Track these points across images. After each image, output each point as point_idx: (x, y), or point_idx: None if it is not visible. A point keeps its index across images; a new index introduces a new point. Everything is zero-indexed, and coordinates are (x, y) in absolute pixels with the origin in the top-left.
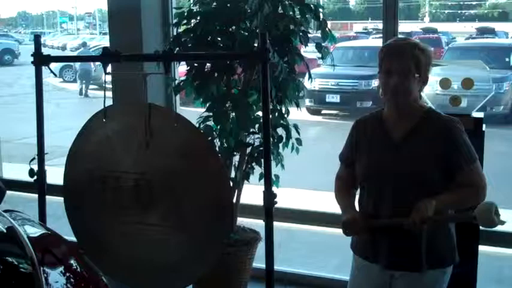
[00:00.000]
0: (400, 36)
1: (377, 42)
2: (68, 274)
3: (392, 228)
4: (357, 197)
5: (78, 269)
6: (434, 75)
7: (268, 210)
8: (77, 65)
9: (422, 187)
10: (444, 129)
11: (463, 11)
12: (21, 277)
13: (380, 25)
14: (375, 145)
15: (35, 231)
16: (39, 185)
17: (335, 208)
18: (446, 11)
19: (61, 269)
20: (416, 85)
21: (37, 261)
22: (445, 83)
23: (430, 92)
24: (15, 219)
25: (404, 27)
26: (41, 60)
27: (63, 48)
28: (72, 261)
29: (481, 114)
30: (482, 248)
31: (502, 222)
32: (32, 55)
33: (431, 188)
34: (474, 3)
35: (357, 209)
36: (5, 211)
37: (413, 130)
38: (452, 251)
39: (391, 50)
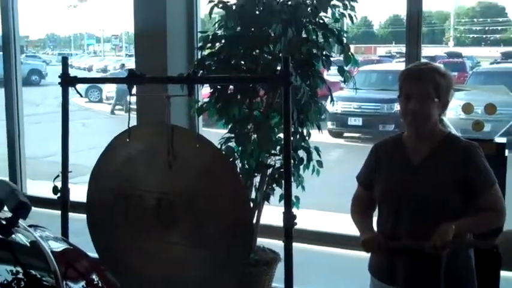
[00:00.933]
0: (423, 60)
1: (400, 66)
2: None
3: (412, 251)
4: (375, 218)
5: (100, 284)
6: (458, 100)
7: (288, 231)
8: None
9: (440, 210)
10: (463, 153)
11: (488, 36)
12: None
13: (403, 49)
14: (394, 167)
15: (58, 246)
16: (62, 202)
17: (354, 230)
18: (471, 35)
19: (83, 283)
20: (436, 109)
21: (60, 275)
22: (467, 108)
23: (454, 116)
24: (39, 234)
25: (429, 51)
26: (67, 81)
27: (89, 69)
28: (94, 276)
29: (503, 140)
30: (504, 274)
31: None
32: (59, 76)
33: (450, 212)
34: (499, 28)
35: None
36: (29, 226)
37: (433, 154)
38: (471, 276)
39: (411, 74)
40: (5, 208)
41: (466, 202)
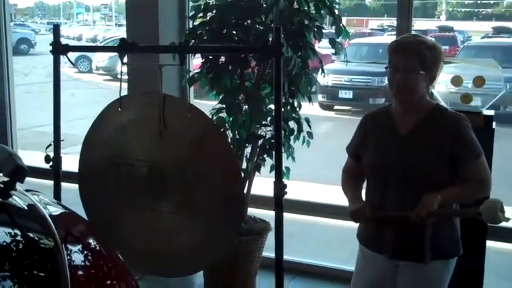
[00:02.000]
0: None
1: (392, 39)
2: (87, 251)
3: (398, 220)
4: (364, 189)
5: (97, 247)
6: (448, 73)
7: (278, 201)
8: None
9: (427, 181)
10: (450, 124)
11: (480, 10)
12: (43, 252)
13: (395, 22)
14: (383, 139)
15: (54, 210)
16: (54, 171)
17: (343, 201)
18: (463, 10)
19: (80, 246)
20: (422, 82)
21: (59, 238)
22: (456, 81)
23: (443, 89)
24: (36, 198)
25: (420, 24)
26: (59, 49)
27: (79, 39)
28: (91, 240)
29: (491, 112)
30: (490, 243)
31: (507, 219)
32: (50, 44)
33: (437, 182)
34: (491, 2)
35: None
36: (26, 191)
37: (420, 124)
38: (456, 243)
39: (397, 46)
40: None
41: (452, 172)
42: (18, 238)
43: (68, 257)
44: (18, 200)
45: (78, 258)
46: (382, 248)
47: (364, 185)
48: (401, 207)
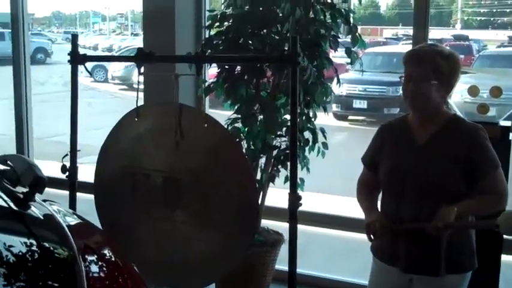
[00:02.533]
0: (430, 42)
1: (406, 48)
2: (103, 262)
3: (415, 233)
4: (379, 200)
5: (113, 258)
6: (463, 83)
7: (293, 212)
8: None
9: (443, 191)
10: (467, 135)
11: (496, 19)
12: (60, 263)
13: (410, 31)
14: (399, 149)
15: (71, 220)
16: (71, 181)
17: (358, 213)
18: (478, 18)
19: (96, 256)
20: (436, 92)
21: (76, 248)
22: (473, 91)
23: (459, 99)
24: (54, 208)
25: (436, 33)
26: (77, 59)
27: (95, 48)
28: (106, 251)
29: (508, 123)
30: (505, 258)
31: None
32: (68, 54)
33: (453, 193)
34: (507, 10)
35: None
36: (44, 201)
37: (437, 135)
38: (472, 257)
39: (412, 55)
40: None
41: (469, 184)
42: (36, 248)
43: (85, 268)
44: (36, 210)
45: (94, 268)
46: (396, 261)
47: (380, 196)
48: (417, 217)
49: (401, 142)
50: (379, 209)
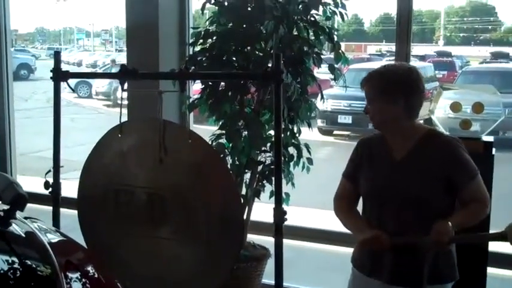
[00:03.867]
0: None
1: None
2: (86, 279)
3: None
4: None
5: (96, 275)
6: (446, 99)
7: (278, 227)
8: None
9: (424, 206)
10: (444, 149)
11: (478, 35)
12: (42, 280)
13: (394, 47)
14: (377, 164)
15: (53, 237)
16: (54, 197)
17: (343, 227)
18: (461, 34)
19: (79, 274)
20: (386, 109)
21: (58, 266)
22: (455, 107)
23: (442, 115)
24: (35, 225)
25: (419, 49)
26: (60, 76)
27: (79, 64)
28: (89, 268)
29: (491, 138)
30: (490, 270)
31: None
32: (51, 71)
33: (433, 207)
34: (489, 27)
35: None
36: (25, 218)
37: (414, 150)
38: (453, 268)
39: (364, 79)
40: None
41: (449, 196)
42: (17, 266)
43: (67, 285)
44: (17, 227)
45: (77, 286)
46: (379, 272)
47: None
48: (398, 233)
49: (379, 158)
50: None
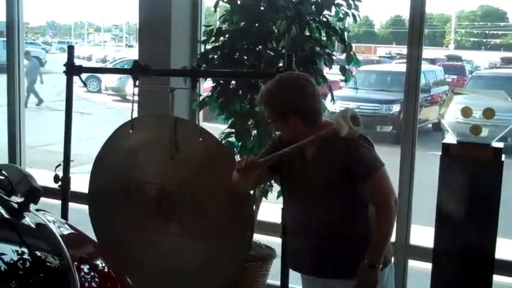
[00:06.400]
0: (424, 61)
1: (400, 67)
2: (96, 272)
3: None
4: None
5: (106, 269)
6: (457, 103)
7: (285, 228)
8: None
9: (333, 201)
10: (342, 145)
11: (488, 40)
12: (52, 272)
13: (404, 50)
14: (294, 163)
15: (65, 230)
16: (63, 191)
17: None
18: (471, 39)
19: (89, 266)
20: (286, 125)
21: (70, 258)
22: (466, 112)
23: (452, 120)
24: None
25: (429, 53)
26: (73, 70)
27: (89, 58)
28: (99, 261)
29: (500, 144)
30: (496, 278)
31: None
32: (64, 65)
33: (343, 202)
34: (500, 32)
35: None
36: (37, 210)
37: (319, 149)
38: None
39: (259, 96)
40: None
41: (354, 190)
42: (29, 257)
43: (79, 278)
44: (30, 220)
45: (87, 278)
46: (302, 267)
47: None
48: (312, 221)
49: (296, 157)
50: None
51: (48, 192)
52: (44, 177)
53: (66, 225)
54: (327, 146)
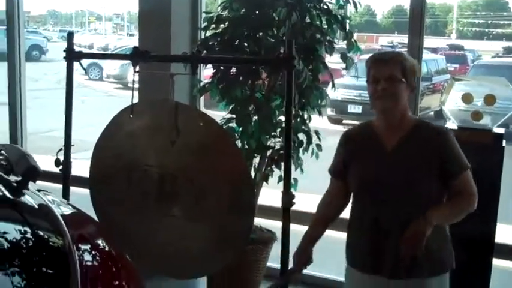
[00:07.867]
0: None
1: None
2: (96, 251)
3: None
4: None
5: (107, 248)
6: (458, 91)
7: (286, 211)
8: None
9: (418, 196)
10: (436, 137)
11: (490, 30)
12: (52, 250)
13: (405, 39)
14: (368, 155)
15: (65, 209)
16: (64, 174)
17: (348, 214)
18: (473, 29)
19: (90, 246)
20: (404, 91)
21: (70, 237)
22: (467, 98)
23: (454, 107)
24: (48, 198)
25: (431, 42)
26: (72, 56)
27: (90, 47)
28: (100, 241)
29: (501, 130)
30: (496, 262)
31: None
32: (64, 51)
33: (428, 197)
34: (502, 22)
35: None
36: (38, 190)
37: (405, 139)
38: (450, 257)
39: (378, 58)
40: None
41: (442, 186)
42: (29, 236)
43: (78, 257)
44: (30, 199)
45: (87, 257)
46: (379, 268)
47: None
48: (396, 221)
49: (370, 149)
50: (350, 215)
51: (49, 176)
52: (45, 162)
53: (68, 205)
54: (414, 136)
